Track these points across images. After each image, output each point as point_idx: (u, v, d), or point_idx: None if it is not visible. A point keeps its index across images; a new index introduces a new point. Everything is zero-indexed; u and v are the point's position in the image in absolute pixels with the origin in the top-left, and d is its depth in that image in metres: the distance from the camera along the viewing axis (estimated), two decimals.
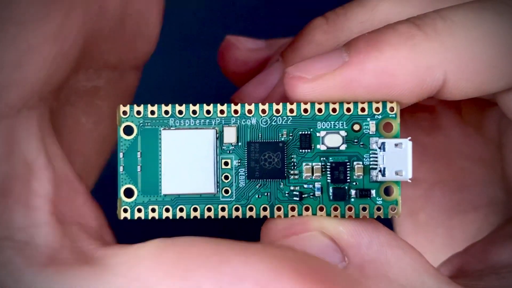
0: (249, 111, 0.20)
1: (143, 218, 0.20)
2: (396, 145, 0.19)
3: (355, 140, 0.19)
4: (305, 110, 0.19)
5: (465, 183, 0.27)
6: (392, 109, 0.19)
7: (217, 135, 0.20)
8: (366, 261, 0.18)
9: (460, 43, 0.18)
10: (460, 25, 0.18)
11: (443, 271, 0.23)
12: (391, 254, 0.18)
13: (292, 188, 0.20)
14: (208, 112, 0.20)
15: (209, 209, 0.20)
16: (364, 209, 0.19)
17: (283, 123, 0.20)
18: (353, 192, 0.19)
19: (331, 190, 0.19)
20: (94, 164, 0.24)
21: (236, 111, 0.20)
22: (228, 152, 0.20)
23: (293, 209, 0.19)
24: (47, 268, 0.17)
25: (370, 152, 0.19)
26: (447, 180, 0.27)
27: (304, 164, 0.19)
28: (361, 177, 0.19)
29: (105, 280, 0.16)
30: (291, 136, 0.20)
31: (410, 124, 0.27)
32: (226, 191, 0.20)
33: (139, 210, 0.20)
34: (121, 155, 0.20)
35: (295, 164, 0.20)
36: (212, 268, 0.15)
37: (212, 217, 0.20)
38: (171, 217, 0.20)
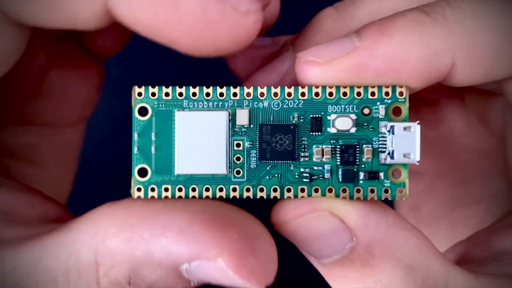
0: (262, 94, 0.20)
1: (156, 197, 0.20)
2: (404, 128, 0.19)
3: (364, 124, 0.20)
4: (316, 94, 0.20)
5: (467, 176, 0.27)
6: (401, 93, 0.20)
7: (230, 117, 0.20)
8: (374, 240, 0.18)
9: (468, 29, 0.19)
10: (469, 12, 0.19)
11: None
12: (398, 235, 0.19)
13: (302, 169, 0.20)
14: (221, 94, 0.20)
15: (220, 189, 0.20)
16: (372, 191, 0.20)
17: (295, 106, 0.20)
18: (362, 174, 0.20)
19: (340, 172, 0.20)
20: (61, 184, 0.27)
21: (248, 94, 0.20)
22: (240, 134, 0.20)
23: (302, 190, 0.20)
24: (21, 246, 0.19)
25: (380, 135, 0.20)
26: (450, 173, 0.28)
27: (314, 146, 0.20)
28: (370, 159, 0.20)
29: (72, 238, 0.19)
30: (302, 119, 0.20)
31: (414, 118, 0.27)
32: (238, 172, 0.20)
33: (153, 190, 0.20)
34: (135, 135, 0.20)
35: (306, 146, 0.20)
36: (148, 222, 0.18)
37: (224, 197, 0.20)
38: (183, 197, 0.20)
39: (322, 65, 0.19)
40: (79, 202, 0.21)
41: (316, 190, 0.20)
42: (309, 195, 0.20)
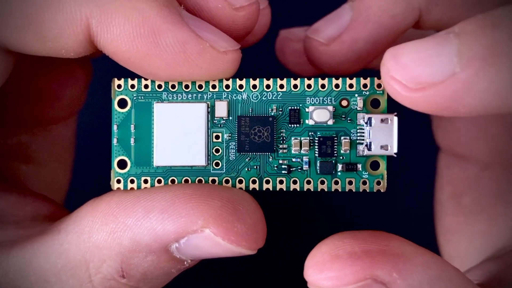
0: (240, 86, 0.20)
1: (135, 189, 0.20)
2: (382, 120, 0.19)
3: (343, 116, 0.20)
4: (295, 86, 0.20)
5: None
6: (379, 85, 0.20)
7: (209, 109, 0.20)
8: None
9: None
10: None
11: (477, 275, 0.22)
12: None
13: (280, 161, 0.20)
14: (200, 86, 0.20)
15: (200, 181, 0.20)
16: (350, 182, 0.20)
17: (273, 98, 0.20)
18: (340, 166, 0.20)
19: (318, 164, 0.20)
20: (58, 179, 0.28)
21: (227, 86, 0.20)
22: (219, 126, 0.20)
23: (281, 182, 0.20)
24: (12, 248, 0.19)
25: (357, 127, 0.20)
26: (499, 165, 0.26)
27: (292, 138, 0.20)
28: (348, 151, 0.20)
29: (60, 239, 0.19)
30: (280, 111, 0.20)
31: None
32: (217, 164, 0.20)
33: (132, 181, 0.20)
34: (115, 127, 0.20)
35: (284, 138, 0.20)
36: (130, 208, 0.18)
37: None
38: None
39: (411, 92, 0.16)
40: (80, 197, 0.21)
41: (295, 182, 0.20)
42: (288, 186, 0.20)
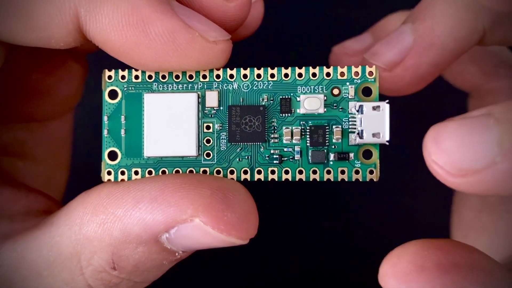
0: (231, 76, 0.20)
1: (126, 180, 0.20)
2: (374, 108, 0.19)
3: (334, 104, 0.20)
4: (286, 75, 0.20)
5: None
6: (371, 73, 0.19)
7: (199, 99, 0.20)
8: None
9: None
10: None
11: None
12: None
13: (272, 151, 0.20)
14: (190, 76, 0.20)
15: (191, 172, 0.20)
16: (342, 172, 0.20)
17: (264, 87, 0.20)
18: (331, 155, 0.20)
19: (310, 153, 0.20)
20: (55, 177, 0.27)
21: (218, 76, 0.20)
22: (210, 116, 0.20)
23: (273, 172, 0.20)
24: (4, 242, 0.19)
25: (349, 115, 0.20)
26: None
27: (284, 127, 0.20)
28: (340, 140, 0.20)
29: (52, 232, 0.19)
30: (271, 100, 0.20)
31: None
32: (208, 154, 0.20)
33: (122, 173, 0.20)
34: (105, 118, 0.20)
35: (275, 127, 0.20)
36: (119, 199, 0.18)
37: None
38: None
39: (453, 178, 0.17)
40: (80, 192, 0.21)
41: (287, 172, 0.20)
42: (279, 177, 0.20)
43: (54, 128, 0.27)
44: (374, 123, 0.19)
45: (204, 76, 0.20)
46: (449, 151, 0.17)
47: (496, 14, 0.21)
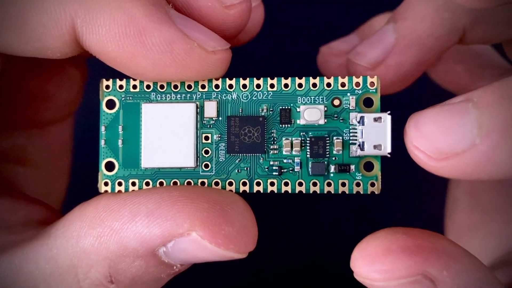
0: (230, 86, 0.20)
1: (123, 191, 0.20)
2: (375, 119, 0.19)
3: (335, 115, 0.19)
4: (286, 85, 0.19)
5: None
6: (372, 84, 0.19)
7: (198, 109, 0.20)
8: None
9: None
10: None
11: (503, 274, 0.22)
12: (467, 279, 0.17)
13: (271, 163, 0.19)
14: (189, 86, 0.20)
15: (189, 183, 0.20)
16: (343, 184, 0.19)
17: (264, 98, 0.20)
18: (332, 167, 0.19)
19: (310, 165, 0.19)
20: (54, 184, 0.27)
21: (217, 86, 0.20)
22: (208, 126, 0.20)
23: (272, 184, 0.19)
24: (2, 254, 0.19)
25: (350, 127, 0.19)
26: None
27: (283, 138, 0.19)
28: (341, 152, 0.19)
29: (50, 244, 0.18)
30: (271, 111, 0.20)
31: None
32: (206, 166, 0.20)
33: (120, 184, 0.20)
34: (103, 128, 0.20)
35: (275, 138, 0.20)
36: (116, 212, 0.18)
37: None
38: None
39: (434, 162, 0.17)
40: (79, 202, 0.21)
41: (286, 184, 0.19)
42: (279, 189, 0.19)
43: (54, 133, 0.27)
44: (375, 134, 0.19)
45: (203, 86, 0.20)
46: (429, 136, 0.17)
47: (475, 12, 0.21)
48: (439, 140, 0.17)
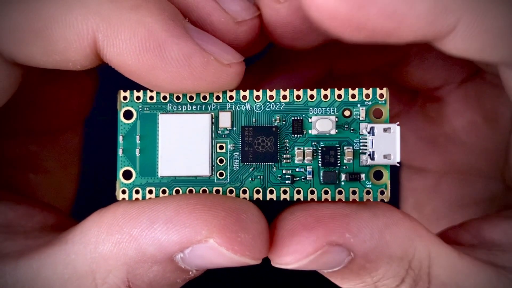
0: (244, 97, 0.20)
1: (140, 199, 0.20)
2: (385, 129, 0.19)
3: (345, 126, 0.20)
4: (298, 97, 0.20)
5: (468, 178, 0.27)
6: (381, 95, 0.20)
7: (213, 120, 0.20)
8: (369, 250, 0.19)
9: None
10: None
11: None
12: (389, 235, 0.19)
13: (284, 171, 0.20)
14: (204, 98, 0.20)
15: (204, 191, 0.20)
16: (354, 192, 0.20)
17: (276, 108, 0.20)
18: (343, 176, 0.20)
19: (321, 174, 0.20)
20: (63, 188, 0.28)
21: (231, 97, 0.20)
22: (223, 136, 0.20)
23: (285, 192, 0.20)
24: (20, 259, 0.19)
25: (360, 137, 0.20)
26: (453, 173, 0.27)
27: (296, 148, 0.20)
28: (351, 161, 0.20)
29: (67, 250, 0.19)
30: (284, 121, 0.20)
31: (419, 115, 0.27)
32: (221, 174, 0.20)
33: (137, 192, 0.20)
34: (120, 138, 0.21)
35: (288, 148, 0.20)
36: (135, 219, 0.19)
37: None
38: None
39: None
40: (86, 206, 0.22)
41: (299, 192, 0.20)
42: (291, 196, 0.20)
43: (65, 140, 0.28)
44: (385, 145, 0.19)
45: (218, 97, 0.20)
46: None
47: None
48: None
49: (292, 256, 0.19)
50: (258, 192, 0.20)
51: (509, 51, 0.18)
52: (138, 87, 0.20)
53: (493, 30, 0.18)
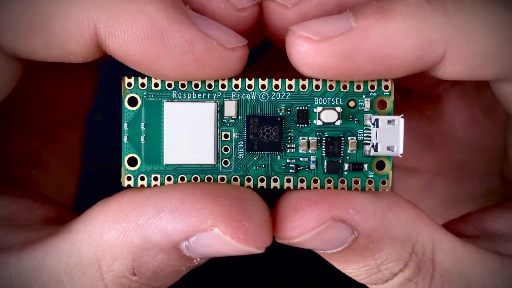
0: (249, 86, 0.20)
1: (145, 186, 0.21)
2: (389, 121, 0.20)
3: (350, 116, 0.20)
4: (303, 86, 0.20)
5: (464, 173, 0.28)
6: (386, 87, 0.20)
7: (218, 108, 0.20)
8: (372, 229, 0.19)
9: (466, 24, 0.18)
10: (469, 6, 0.18)
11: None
12: (391, 216, 0.19)
13: (288, 160, 0.20)
14: (209, 86, 0.20)
15: (209, 179, 0.21)
16: (356, 182, 0.20)
17: (282, 98, 0.20)
18: (346, 165, 0.20)
19: (325, 163, 0.20)
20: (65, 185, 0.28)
21: (236, 86, 0.20)
22: (228, 125, 0.20)
23: (288, 180, 0.20)
24: (24, 250, 0.19)
25: (364, 128, 0.20)
26: (448, 171, 0.28)
27: (300, 138, 0.20)
28: (355, 151, 0.20)
29: (72, 238, 0.19)
30: (289, 111, 0.20)
31: (413, 114, 0.28)
32: (226, 162, 0.21)
33: (142, 178, 0.21)
34: (125, 125, 0.21)
35: (292, 138, 0.20)
36: (141, 207, 0.19)
37: None
38: None
39: (316, 43, 0.18)
40: (88, 200, 0.22)
41: (302, 181, 0.20)
42: (295, 185, 0.20)
43: (65, 136, 0.28)
44: (388, 136, 0.20)
45: (223, 86, 0.20)
46: (311, 25, 0.19)
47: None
48: (320, 26, 0.19)
49: (296, 230, 0.19)
50: (262, 180, 0.21)
51: (499, 68, 0.19)
52: (143, 76, 0.20)
53: (480, 51, 0.19)
